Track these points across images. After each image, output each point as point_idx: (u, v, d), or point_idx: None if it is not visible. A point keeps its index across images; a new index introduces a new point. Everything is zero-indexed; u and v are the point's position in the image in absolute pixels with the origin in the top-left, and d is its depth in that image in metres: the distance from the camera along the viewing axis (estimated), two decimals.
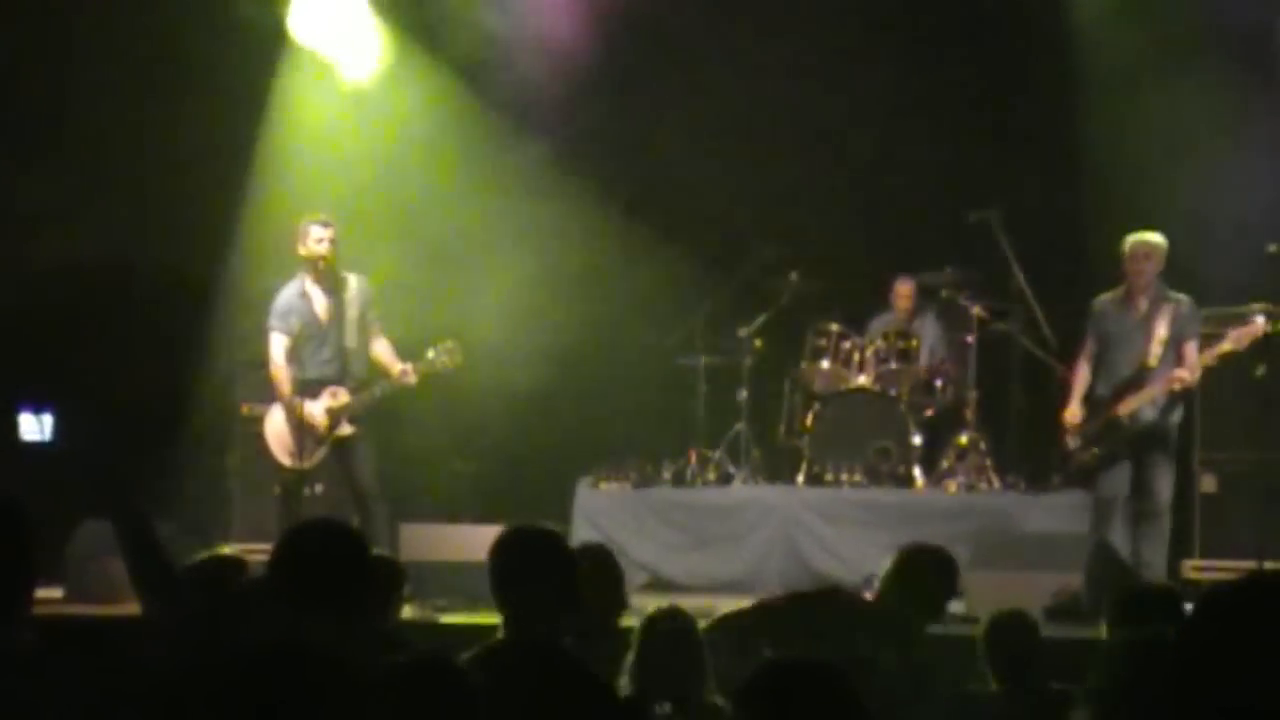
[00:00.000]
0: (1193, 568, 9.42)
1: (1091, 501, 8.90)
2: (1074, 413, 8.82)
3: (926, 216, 10.74)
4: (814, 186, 10.94)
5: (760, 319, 10.75)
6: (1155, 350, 8.68)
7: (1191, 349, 8.72)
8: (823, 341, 10.54)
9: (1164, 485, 8.64)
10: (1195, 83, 10.25)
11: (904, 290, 10.92)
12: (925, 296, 10.94)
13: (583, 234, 11.00)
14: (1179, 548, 9.58)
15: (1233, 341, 8.55)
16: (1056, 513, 9.71)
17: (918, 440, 10.26)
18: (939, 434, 10.55)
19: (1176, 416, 8.76)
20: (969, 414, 10.36)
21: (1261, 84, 10.03)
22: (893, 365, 10.45)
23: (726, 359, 10.77)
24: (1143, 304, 8.77)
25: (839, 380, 10.49)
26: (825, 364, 10.52)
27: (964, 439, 10.30)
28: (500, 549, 4.25)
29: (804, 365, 10.61)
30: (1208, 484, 9.58)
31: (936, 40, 10.83)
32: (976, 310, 10.48)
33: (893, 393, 10.39)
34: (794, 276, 10.74)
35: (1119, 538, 8.59)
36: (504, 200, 11.04)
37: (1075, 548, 8.57)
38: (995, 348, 10.52)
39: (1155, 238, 8.80)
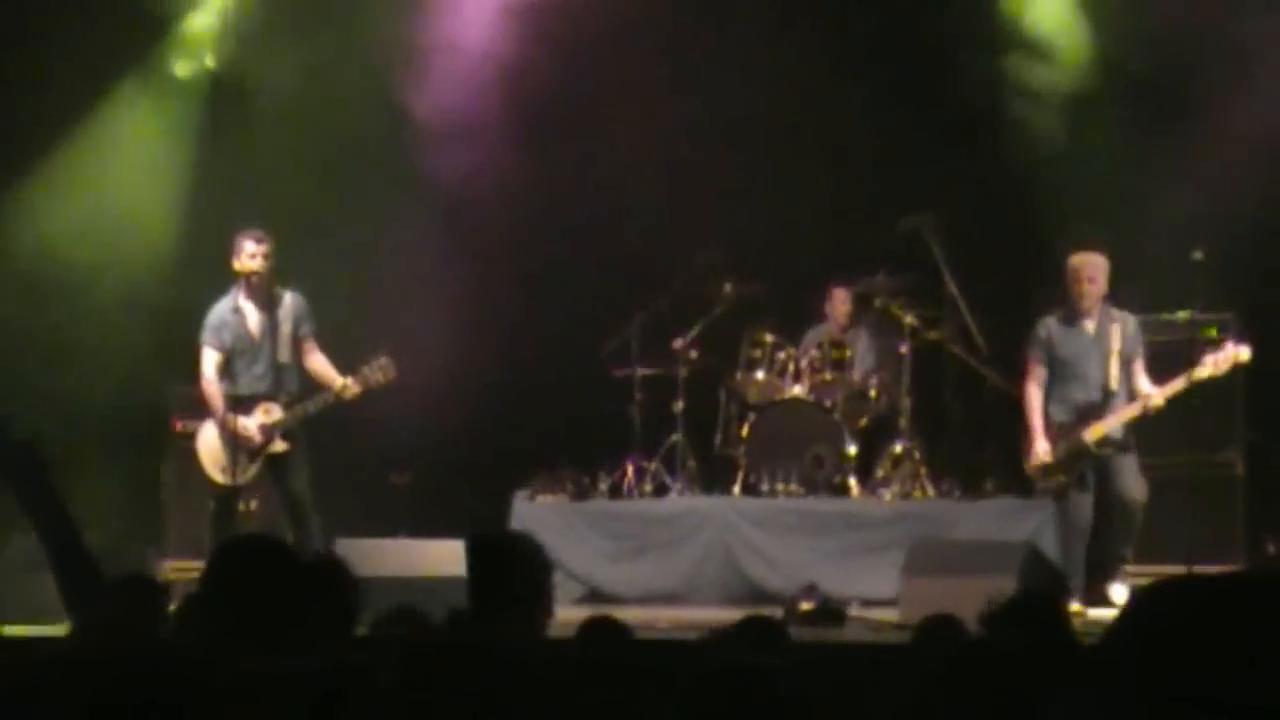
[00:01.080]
0: (1137, 574, 9.49)
1: (1058, 528, 8.98)
2: (1045, 449, 8.85)
3: (859, 224, 10.80)
4: (748, 195, 10.99)
5: (695, 329, 10.78)
6: (1114, 372, 8.74)
7: (1140, 367, 8.79)
8: (757, 352, 10.58)
9: (1136, 487, 8.76)
10: (1125, 94, 10.40)
11: (840, 298, 10.96)
12: (859, 305, 11.00)
13: (517, 245, 11.01)
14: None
15: (1211, 367, 8.59)
16: (990, 519, 9.77)
17: (852, 449, 10.31)
18: (874, 442, 10.60)
19: (1132, 434, 8.86)
20: (903, 422, 10.42)
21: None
22: (827, 375, 10.49)
23: (662, 370, 10.79)
24: (1090, 324, 8.82)
25: (774, 390, 10.53)
26: (760, 374, 10.55)
27: (898, 447, 10.36)
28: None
29: (739, 375, 10.64)
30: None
31: (870, 47, 10.90)
32: (909, 319, 10.54)
33: (827, 402, 10.44)
34: (729, 286, 10.78)
35: (1080, 556, 8.77)
36: (437, 210, 11.03)
37: (1009, 554, 8.61)
38: (928, 356, 10.58)
39: (1099, 257, 8.87)
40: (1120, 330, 8.78)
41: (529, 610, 4.18)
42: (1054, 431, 8.89)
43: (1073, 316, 8.88)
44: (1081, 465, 8.81)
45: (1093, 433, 8.75)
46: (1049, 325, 8.95)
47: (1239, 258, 9.80)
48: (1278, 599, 2.05)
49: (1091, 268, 8.83)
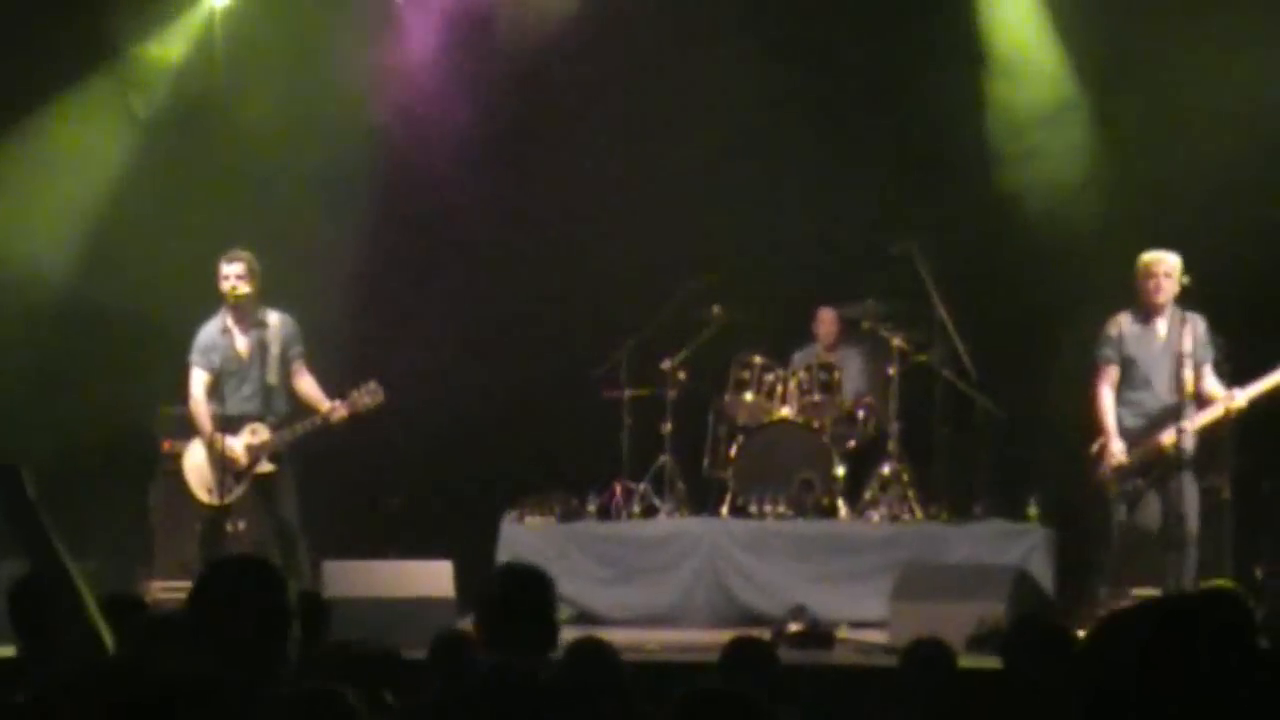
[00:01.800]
0: (1111, 596, 9.49)
1: (1117, 535, 8.78)
2: (1120, 450, 8.51)
3: (849, 249, 10.82)
4: (738, 220, 11.01)
5: (684, 352, 10.78)
6: (1189, 375, 8.36)
7: (1209, 370, 8.47)
8: (746, 374, 10.58)
9: (1194, 513, 8.48)
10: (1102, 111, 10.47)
11: (826, 318, 10.98)
12: (847, 328, 11.01)
13: (506, 268, 11.02)
14: (1097, 576, 9.69)
15: None
16: (980, 543, 9.78)
17: (841, 471, 10.31)
18: (862, 465, 10.60)
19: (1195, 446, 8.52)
20: (892, 445, 10.43)
21: None
22: (816, 397, 10.50)
23: (651, 392, 10.79)
24: (1162, 326, 8.50)
25: (762, 412, 10.53)
26: (749, 396, 10.56)
27: (887, 470, 10.36)
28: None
29: (727, 397, 10.64)
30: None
31: (859, 75, 10.93)
32: (898, 342, 10.55)
33: (816, 425, 10.44)
34: (717, 309, 10.79)
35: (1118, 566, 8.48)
36: (425, 233, 11.04)
37: (998, 578, 8.63)
38: (917, 379, 10.60)
39: (1171, 255, 8.51)
40: (1191, 332, 8.41)
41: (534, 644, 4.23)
42: (1124, 438, 8.54)
43: (1144, 316, 8.52)
44: (1158, 470, 8.45)
45: (1169, 436, 8.36)
46: (1120, 323, 8.59)
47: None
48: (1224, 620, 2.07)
49: (1164, 264, 8.45)
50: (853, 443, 10.65)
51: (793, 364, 10.80)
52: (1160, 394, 8.48)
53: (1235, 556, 9.49)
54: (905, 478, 10.31)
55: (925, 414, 10.54)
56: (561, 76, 11.06)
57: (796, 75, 10.97)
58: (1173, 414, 8.41)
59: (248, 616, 3.69)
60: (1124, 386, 8.55)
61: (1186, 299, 8.52)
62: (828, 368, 10.60)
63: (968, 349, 10.27)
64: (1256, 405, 8.52)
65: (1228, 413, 8.42)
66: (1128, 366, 8.52)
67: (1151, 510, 8.48)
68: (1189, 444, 8.41)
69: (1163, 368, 8.45)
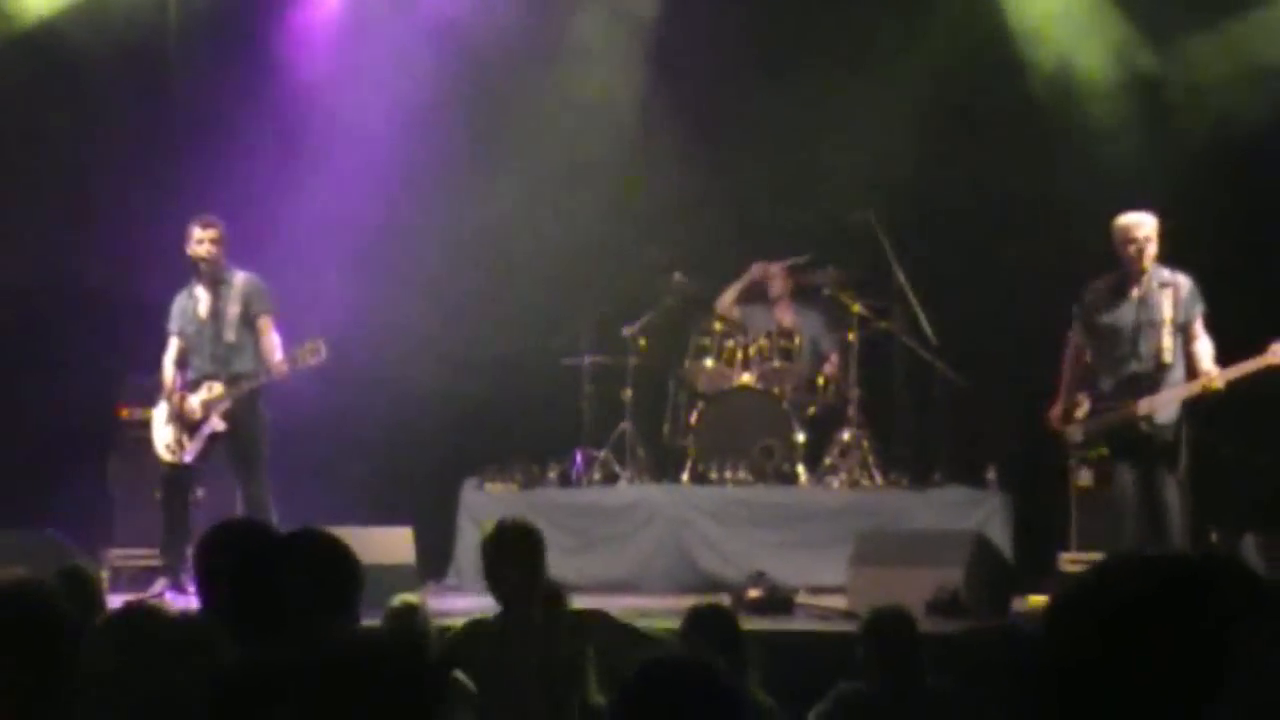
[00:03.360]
0: (1069, 560, 9.58)
1: (1075, 500, 8.78)
2: (1076, 403, 8.26)
3: (809, 216, 10.83)
4: (697, 188, 11.00)
5: (644, 318, 10.79)
6: (1168, 344, 8.10)
7: (1198, 331, 8.12)
8: (706, 340, 10.60)
9: (1174, 498, 8.14)
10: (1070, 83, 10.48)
11: (776, 273, 10.92)
12: (808, 294, 11.03)
13: (468, 236, 10.99)
14: (1058, 541, 9.78)
15: (1276, 357, 7.91)
16: (939, 509, 9.85)
17: (801, 438, 10.35)
18: (822, 431, 10.64)
19: (1186, 426, 8.21)
20: (852, 411, 10.46)
21: None
22: (776, 364, 10.52)
23: (611, 359, 10.80)
24: (1137, 291, 8.18)
25: (723, 379, 10.55)
26: (709, 362, 10.57)
27: (847, 436, 10.40)
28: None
29: (688, 364, 10.66)
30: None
31: (818, 44, 10.92)
32: (858, 308, 10.59)
33: (776, 391, 10.47)
34: (678, 276, 10.79)
35: (1129, 539, 8.10)
36: (386, 197, 11.01)
37: (956, 544, 8.68)
38: (877, 346, 10.64)
39: (1149, 216, 8.19)
40: (1172, 295, 8.11)
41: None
42: (1101, 403, 8.30)
43: (1122, 282, 8.22)
44: (1127, 439, 8.21)
45: (1145, 405, 8.11)
46: (1095, 290, 8.35)
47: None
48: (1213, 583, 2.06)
49: (1144, 228, 8.14)
50: (813, 409, 10.69)
51: (747, 322, 10.76)
52: (1139, 361, 8.20)
53: (1192, 521, 9.57)
54: (865, 444, 10.36)
55: (885, 380, 10.59)
56: (521, 51, 11.04)
57: (758, 41, 10.97)
58: (1147, 382, 8.17)
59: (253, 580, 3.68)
60: (1103, 353, 8.32)
61: (1170, 259, 8.26)
62: (788, 334, 10.62)
63: (927, 316, 10.30)
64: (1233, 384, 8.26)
65: (1204, 390, 8.13)
66: (1105, 333, 8.28)
67: (1123, 485, 8.27)
68: (1164, 416, 8.14)
69: (1141, 334, 8.17)
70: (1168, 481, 8.16)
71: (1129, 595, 2.04)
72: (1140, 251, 8.14)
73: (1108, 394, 8.31)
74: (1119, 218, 8.29)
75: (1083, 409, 8.38)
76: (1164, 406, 8.13)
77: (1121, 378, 8.25)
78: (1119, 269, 8.33)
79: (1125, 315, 8.23)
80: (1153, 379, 8.18)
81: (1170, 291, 8.15)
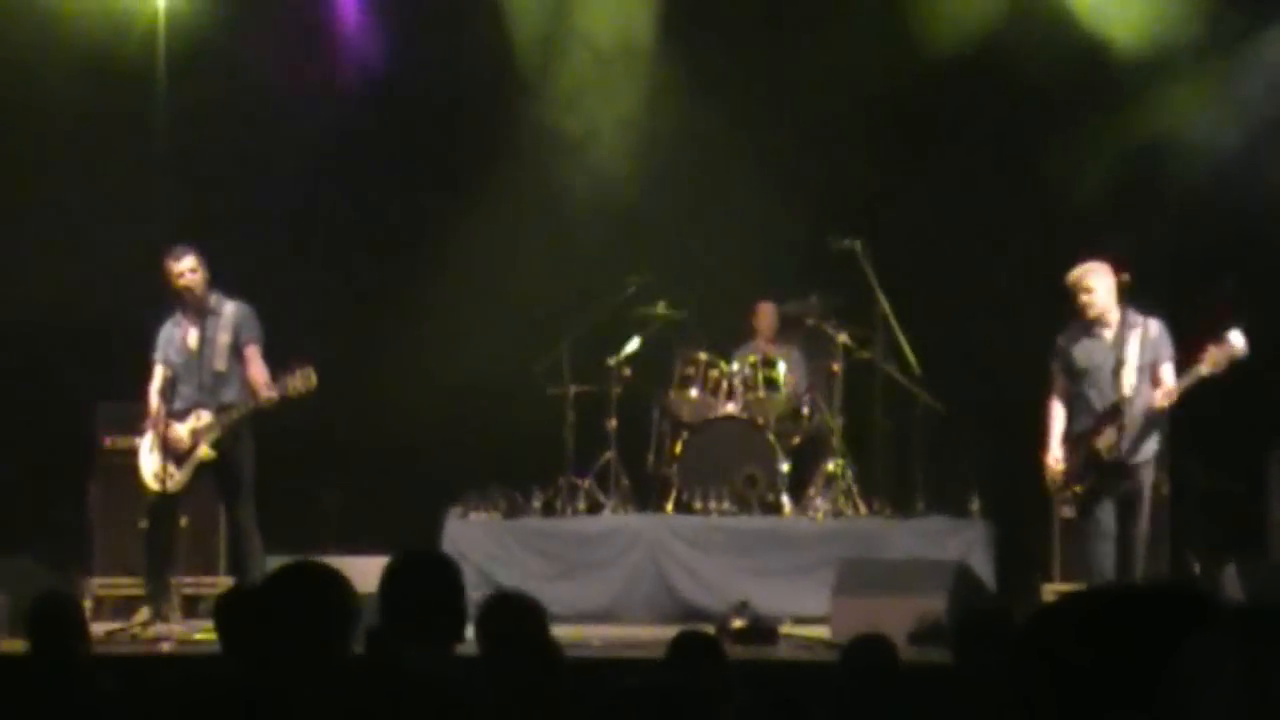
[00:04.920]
0: (1053, 591, 9.58)
1: (1059, 533, 8.88)
2: (1056, 457, 8.50)
3: (792, 246, 10.85)
4: (681, 217, 11.02)
5: (628, 348, 10.79)
6: (1129, 379, 8.30)
7: (1168, 371, 8.35)
8: (690, 370, 10.59)
9: (1144, 517, 8.37)
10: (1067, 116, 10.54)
11: (766, 311, 10.99)
12: (791, 324, 11.04)
13: (451, 263, 10.99)
14: (1041, 572, 9.78)
15: (1210, 364, 8.13)
16: (921, 538, 9.84)
17: (785, 467, 10.34)
18: (806, 461, 10.64)
19: (1154, 444, 8.44)
20: (835, 441, 10.47)
21: None
22: (760, 393, 10.53)
23: (595, 388, 10.79)
24: (1108, 333, 8.40)
25: (707, 408, 10.55)
26: (693, 392, 10.57)
27: (831, 466, 10.40)
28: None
29: (672, 394, 10.65)
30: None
31: (807, 71, 10.95)
32: (841, 338, 10.60)
33: (760, 421, 10.47)
34: (661, 306, 10.80)
35: (1108, 567, 8.30)
36: (364, 222, 11.02)
37: (939, 573, 8.68)
38: (860, 375, 10.64)
39: (1098, 265, 8.42)
40: (1140, 336, 8.34)
41: (441, 634, 4.09)
42: (1072, 441, 8.52)
43: (1091, 325, 8.45)
44: (1096, 474, 8.40)
45: (1102, 440, 8.35)
46: (1070, 335, 8.55)
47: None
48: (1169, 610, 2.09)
49: (1087, 278, 8.39)
50: (797, 438, 10.69)
51: (734, 357, 10.81)
52: (1104, 399, 8.42)
53: (1173, 550, 9.60)
54: (849, 474, 10.36)
55: (868, 409, 10.58)
56: (501, 63, 11.07)
57: (748, 73, 11.01)
58: (1111, 418, 8.37)
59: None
60: (1078, 395, 8.53)
61: (1139, 300, 8.44)
62: (771, 364, 10.62)
63: (910, 343, 10.31)
64: (1192, 401, 8.44)
65: (1149, 414, 8.33)
66: (1078, 376, 8.50)
67: (1104, 512, 8.39)
68: (1126, 446, 8.31)
69: (1109, 374, 8.38)
70: (1138, 517, 8.34)
71: (1084, 623, 2.07)
72: (1084, 305, 8.38)
73: (1078, 434, 8.49)
74: (1070, 271, 8.46)
75: (1060, 460, 8.53)
76: (1120, 438, 8.30)
77: (1090, 416, 8.45)
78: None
79: (1096, 356, 8.42)
80: (1112, 414, 8.36)
81: (1139, 332, 8.35)
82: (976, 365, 10.40)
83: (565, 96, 11.09)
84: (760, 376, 10.54)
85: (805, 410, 10.72)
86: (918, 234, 10.71)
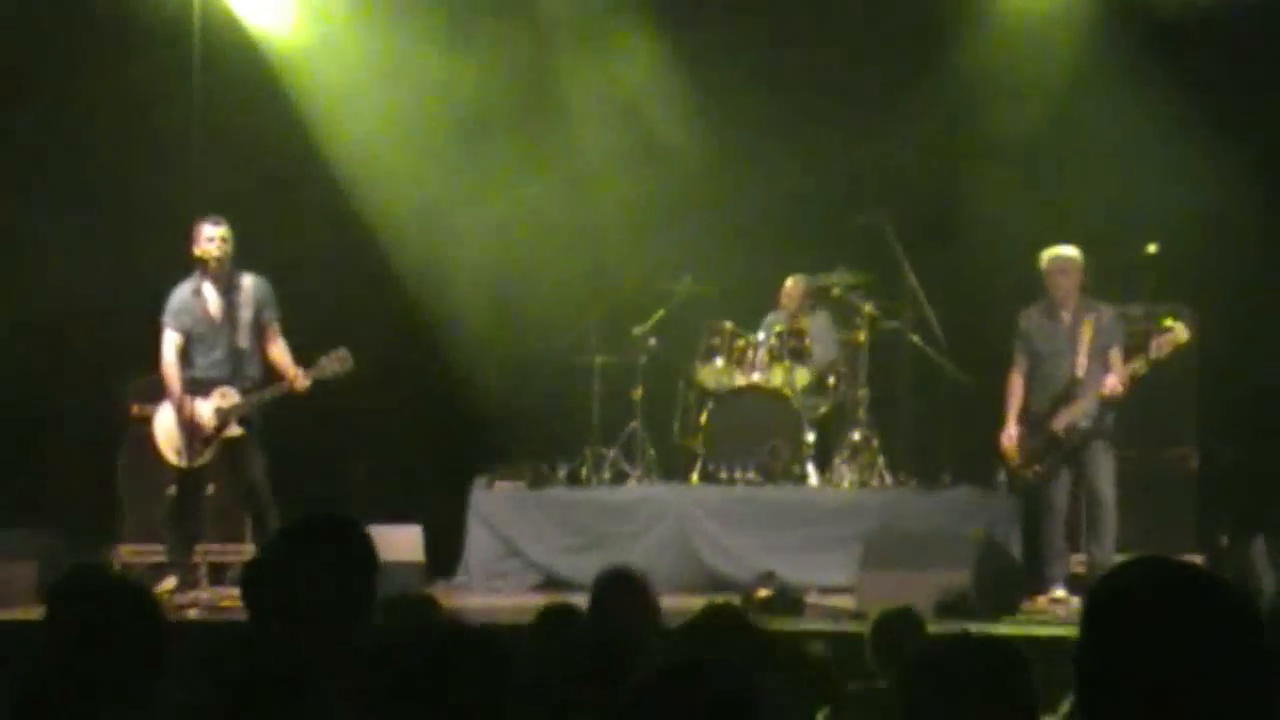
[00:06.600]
0: (1079, 563, 9.56)
1: (1042, 518, 9.08)
2: (1011, 434, 8.97)
3: (819, 218, 10.83)
4: (708, 189, 11.01)
5: (654, 318, 10.79)
6: (1082, 362, 8.84)
7: (1116, 355, 8.87)
8: (716, 340, 10.59)
9: (1107, 486, 8.84)
10: (1086, 89, 10.48)
11: (792, 287, 10.98)
12: (817, 295, 11.02)
13: (477, 236, 11.00)
14: (1069, 543, 9.76)
15: (1155, 350, 8.72)
16: (947, 510, 9.84)
17: (810, 438, 10.34)
18: (831, 432, 10.64)
19: (1109, 422, 8.93)
20: (861, 412, 10.46)
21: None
22: (786, 364, 10.51)
23: (621, 358, 10.79)
24: (1067, 316, 8.92)
25: (732, 379, 10.55)
26: (719, 362, 10.57)
27: (856, 437, 10.40)
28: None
29: (698, 364, 10.65)
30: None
31: (831, 47, 10.92)
32: (868, 309, 10.58)
33: (786, 391, 10.46)
34: (688, 278, 10.80)
35: (1060, 544, 8.92)
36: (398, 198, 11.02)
37: (965, 545, 8.67)
38: (886, 346, 10.63)
39: (1070, 251, 8.94)
40: (1095, 322, 8.87)
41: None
42: (1031, 422, 8.99)
43: (1052, 309, 8.98)
44: (1055, 455, 8.91)
45: (1059, 420, 8.87)
46: (1030, 317, 9.06)
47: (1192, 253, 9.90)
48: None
49: (1061, 261, 8.91)
50: (822, 409, 10.68)
51: (762, 326, 10.80)
52: (1060, 380, 8.91)
53: (1200, 525, 9.59)
54: (874, 444, 10.36)
55: (894, 381, 10.58)
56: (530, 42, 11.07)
57: (773, 48, 10.98)
58: (1066, 399, 8.89)
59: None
60: (1034, 375, 9.00)
61: (1093, 290, 9.02)
62: (798, 334, 10.61)
63: (938, 316, 10.30)
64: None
65: (1104, 398, 8.84)
66: (1036, 357, 8.98)
67: (1058, 491, 8.93)
68: (1083, 426, 8.84)
69: (1063, 356, 8.89)
70: (1099, 493, 8.84)
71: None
72: (1056, 285, 8.92)
73: (1035, 414, 8.98)
74: (1044, 251, 8.99)
75: (1015, 437, 9.00)
76: (1076, 418, 8.86)
77: (1046, 396, 8.95)
78: (1046, 297, 9.01)
79: (1054, 339, 8.94)
80: (1067, 395, 8.90)
81: (1094, 317, 8.88)
82: (1003, 336, 10.37)
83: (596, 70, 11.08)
84: (787, 347, 10.53)
85: (831, 381, 10.71)
86: (943, 206, 10.69)
